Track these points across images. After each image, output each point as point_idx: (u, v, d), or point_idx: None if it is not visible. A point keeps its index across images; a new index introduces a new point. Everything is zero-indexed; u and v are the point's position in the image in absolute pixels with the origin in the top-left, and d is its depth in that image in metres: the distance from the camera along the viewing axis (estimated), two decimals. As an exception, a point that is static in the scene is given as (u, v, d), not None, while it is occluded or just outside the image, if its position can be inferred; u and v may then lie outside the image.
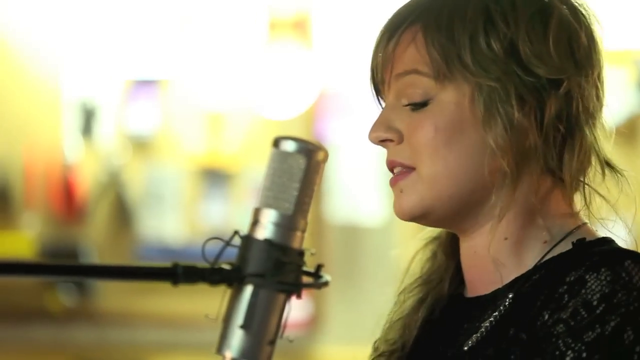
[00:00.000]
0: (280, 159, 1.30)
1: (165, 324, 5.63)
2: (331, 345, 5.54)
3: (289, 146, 1.30)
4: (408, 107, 1.62)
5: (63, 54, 5.75)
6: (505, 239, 1.61)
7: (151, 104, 5.75)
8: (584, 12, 1.64)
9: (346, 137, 5.80)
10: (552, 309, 1.49)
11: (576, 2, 1.65)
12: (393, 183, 1.62)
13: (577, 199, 1.64)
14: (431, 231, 1.75)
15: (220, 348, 1.29)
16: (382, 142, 1.63)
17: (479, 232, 1.64)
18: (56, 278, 1.57)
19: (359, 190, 5.78)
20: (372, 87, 1.69)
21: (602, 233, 1.63)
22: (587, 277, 1.49)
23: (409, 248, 1.78)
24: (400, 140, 1.62)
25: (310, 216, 1.33)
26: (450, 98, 1.59)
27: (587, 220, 1.61)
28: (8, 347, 5.66)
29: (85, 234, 5.72)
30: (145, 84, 5.77)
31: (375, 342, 1.77)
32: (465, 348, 1.59)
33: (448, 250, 1.73)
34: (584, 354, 1.45)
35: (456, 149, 1.59)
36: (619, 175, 1.63)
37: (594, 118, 1.62)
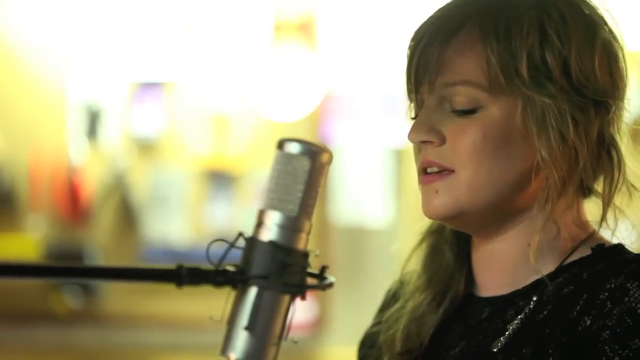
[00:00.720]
0: (284, 161, 1.31)
1: (169, 325, 5.63)
2: (336, 347, 5.54)
3: (293, 148, 1.31)
4: (453, 112, 1.62)
5: (68, 56, 5.76)
6: (528, 245, 1.63)
7: (156, 107, 5.75)
8: (619, 35, 1.68)
9: (351, 139, 5.80)
10: (595, 315, 1.53)
11: (612, 24, 1.67)
12: (427, 182, 1.63)
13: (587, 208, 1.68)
14: (426, 226, 1.76)
15: (224, 350, 1.29)
16: (422, 142, 1.64)
17: (502, 238, 1.65)
18: (61, 280, 1.57)
19: (364, 192, 5.79)
20: (408, 83, 1.68)
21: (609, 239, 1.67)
22: (629, 285, 1.53)
23: (409, 247, 1.79)
24: (442, 143, 1.62)
25: (314, 218, 1.33)
26: (502, 109, 1.60)
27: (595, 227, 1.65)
28: (14, 348, 5.66)
29: (91, 236, 5.73)
30: (150, 87, 5.77)
31: (387, 337, 1.77)
32: (495, 350, 1.60)
33: (456, 250, 1.74)
34: None
35: (501, 159, 1.60)
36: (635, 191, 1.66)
37: (623, 137, 1.66)
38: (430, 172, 1.63)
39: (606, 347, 1.51)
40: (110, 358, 5.65)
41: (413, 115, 1.68)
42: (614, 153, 1.64)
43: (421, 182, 1.64)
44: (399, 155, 5.75)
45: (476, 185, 1.60)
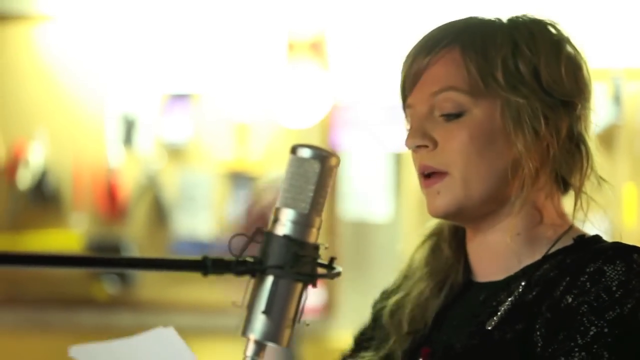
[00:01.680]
0: (297, 164, 1.31)
1: (196, 310, 5.63)
2: (343, 329, 5.53)
3: (305, 153, 1.31)
4: (442, 118, 1.64)
5: (106, 73, 5.76)
6: (518, 234, 1.65)
7: (185, 116, 5.75)
8: (582, 53, 1.72)
9: (357, 145, 5.80)
10: (575, 294, 1.55)
11: (576, 45, 1.71)
12: (429, 185, 1.65)
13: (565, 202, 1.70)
14: (429, 228, 1.77)
15: (244, 331, 1.29)
16: (417, 147, 1.66)
17: (494, 229, 1.67)
18: (101, 270, 1.58)
19: (368, 191, 5.78)
20: (402, 95, 1.72)
21: (587, 231, 1.69)
22: (605, 268, 1.55)
23: (411, 243, 1.81)
24: (435, 146, 1.65)
25: (324, 214, 1.33)
26: (483, 111, 1.63)
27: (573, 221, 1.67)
28: (60, 329, 5.67)
29: (127, 231, 5.73)
30: (179, 98, 5.77)
31: (394, 321, 1.77)
32: (489, 328, 1.62)
33: (454, 245, 1.76)
34: (606, 329, 1.51)
35: (487, 155, 1.63)
36: (604, 184, 1.69)
37: (591, 135, 1.69)
38: (429, 175, 1.65)
39: (584, 319, 1.52)
40: (144, 339, 5.64)
41: (409, 127, 1.70)
42: (582, 147, 1.67)
43: (423, 185, 1.66)
44: (399, 159, 5.74)
45: (469, 181, 1.62)
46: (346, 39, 5.69)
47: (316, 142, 5.48)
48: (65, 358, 1.47)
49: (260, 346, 1.29)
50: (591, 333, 1.51)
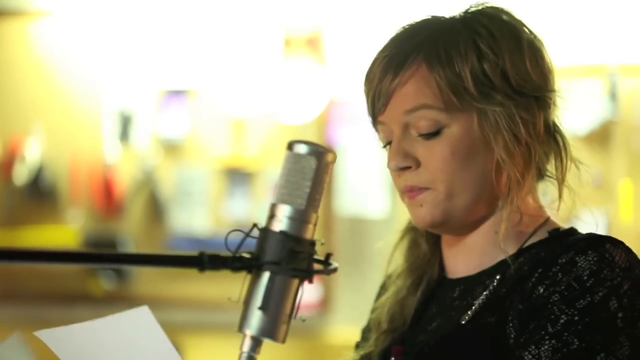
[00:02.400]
0: (293, 160, 1.31)
1: (192, 306, 5.63)
2: (339, 325, 5.54)
3: (301, 149, 1.31)
4: (420, 137, 1.63)
5: (102, 69, 5.76)
6: (496, 232, 1.65)
7: (181, 112, 5.75)
8: (537, 34, 1.69)
9: (353, 141, 5.80)
10: (547, 284, 1.55)
11: (530, 27, 1.69)
12: (412, 197, 1.65)
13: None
14: (405, 223, 1.77)
15: (241, 327, 1.29)
16: (400, 169, 1.65)
17: (474, 232, 1.67)
18: (97, 265, 1.57)
19: (364, 187, 5.78)
20: (371, 113, 1.70)
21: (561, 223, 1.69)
22: (577, 258, 1.55)
23: (388, 240, 1.81)
24: (418, 166, 1.64)
25: (320, 210, 1.33)
26: (461, 125, 1.62)
27: (549, 213, 1.67)
28: (56, 324, 5.65)
29: (123, 227, 5.73)
30: (176, 94, 5.76)
31: (370, 321, 1.78)
32: (463, 322, 1.62)
33: (431, 240, 1.76)
34: (576, 318, 1.50)
35: (470, 168, 1.62)
36: (582, 170, 1.68)
37: (560, 119, 1.68)
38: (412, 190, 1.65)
39: (555, 308, 1.52)
40: (141, 334, 5.64)
41: (383, 145, 1.70)
42: (559, 137, 1.67)
43: (407, 197, 1.66)
44: (395, 155, 5.74)
45: (453, 194, 1.62)
46: (343, 34, 5.69)
47: (312, 137, 5.48)
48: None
49: (256, 342, 1.29)
50: (561, 321, 1.51)
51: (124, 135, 5.73)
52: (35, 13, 5.81)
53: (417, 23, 1.70)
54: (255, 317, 1.28)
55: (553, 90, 1.67)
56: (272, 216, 1.30)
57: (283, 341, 1.30)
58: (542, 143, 1.65)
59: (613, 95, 5.17)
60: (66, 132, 5.74)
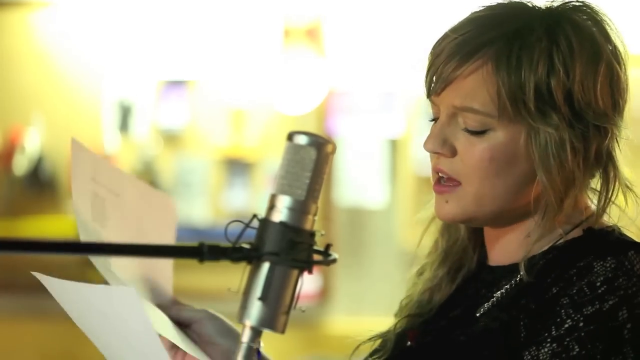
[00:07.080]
0: (293, 151, 1.30)
1: (192, 296, 5.61)
2: (338, 315, 5.54)
3: (301, 139, 1.30)
4: (465, 130, 1.59)
5: (102, 59, 5.76)
6: (528, 235, 1.61)
7: (181, 102, 5.75)
8: (622, 49, 1.61)
9: (352, 132, 5.80)
10: (561, 287, 1.51)
11: (617, 37, 1.61)
12: (439, 192, 1.61)
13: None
14: (429, 210, 1.73)
15: (240, 317, 1.29)
16: (435, 153, 1.62)
17: (506, 229, 1.64)
18: (97, 256, 1.57)
19: (364, 178, 5.78)
20: (427, 89, 1.64)
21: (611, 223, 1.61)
22: (595, 263, 1.51)
23: (406, 229, 1.79)
24: (453, 155, 1.60)
25: (320, 201, 1.32)
26: (508, 133, 1.56)
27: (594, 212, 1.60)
28: (55, 316, 5.66)
29: (123, 217, 5.72)
30: (175, 85, 5.76)
31: (402, 301, 1.76)
32: (477, 314, 1.60)
33: (470, 227, 1.72)
34: (581, 324, 1.48)
35: (505, 177, 1.57)
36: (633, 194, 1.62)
37: (621, 147, 1.62)
38: (441, 179, 1.61)
39: (562, 311, 1.50)
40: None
41: (430, 119, 1.65)
42: (610, 169, 1.60)
43: (434, 190, 1.62)
44: (394, 145, 5.74)
45: (481, 198, 1.57)
46: (342, 25, 5.69)
47: (312, 128, 5.48)
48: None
49: (256, 332, 1.29)
50: (566, 326, 1.48)
51: (124, 125, 5.73)
52: (35, 3, 5.80)
53: (501, 9, 1.60)
54: (255, 308, 1.28)
55: (615, 124, 1.58)
56: (271, 207, 1.30)
57: (283, 331, 1.29)
58: (589, 172, 1.58)
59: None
60: (66, 122, 5.74)
